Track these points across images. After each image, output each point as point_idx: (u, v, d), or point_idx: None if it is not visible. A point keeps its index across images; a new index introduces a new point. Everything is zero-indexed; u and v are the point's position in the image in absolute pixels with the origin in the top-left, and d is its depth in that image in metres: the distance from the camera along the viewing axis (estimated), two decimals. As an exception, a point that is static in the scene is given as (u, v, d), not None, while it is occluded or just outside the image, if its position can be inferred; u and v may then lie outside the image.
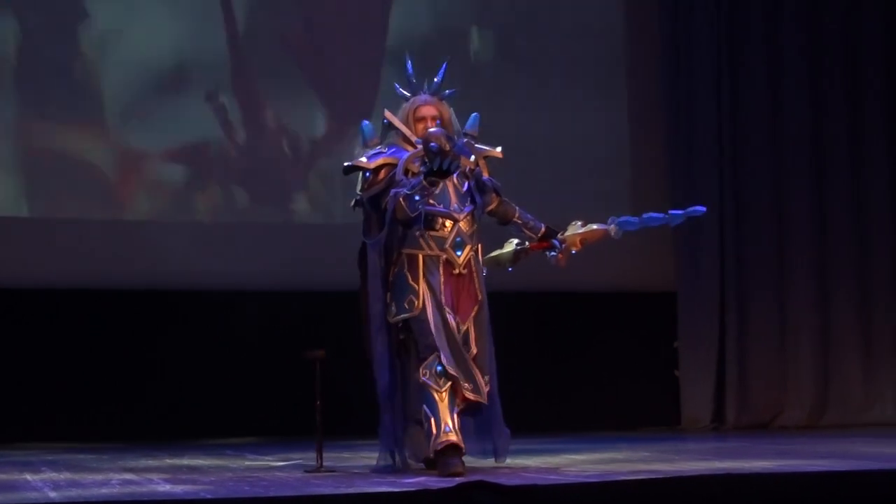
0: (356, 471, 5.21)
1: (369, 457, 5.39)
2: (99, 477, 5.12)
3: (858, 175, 8.76)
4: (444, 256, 5.02)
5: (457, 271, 5.03)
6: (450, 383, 4.91)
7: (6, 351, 7.49)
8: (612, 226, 5.34)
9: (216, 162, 8.19)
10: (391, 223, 5.01)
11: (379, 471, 5.05)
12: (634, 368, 8.36)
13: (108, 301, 7.74)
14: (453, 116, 5.19)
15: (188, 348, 7.71)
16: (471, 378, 4.95)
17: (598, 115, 8.59)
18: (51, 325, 7.62)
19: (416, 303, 4.98)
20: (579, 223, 5.33)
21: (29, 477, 5.13)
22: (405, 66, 5.29)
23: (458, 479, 4.28)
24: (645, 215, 5.42)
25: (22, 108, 7.88)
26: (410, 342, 5.05)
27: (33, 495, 4.44)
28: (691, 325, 8.57)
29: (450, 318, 4.97)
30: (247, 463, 5.83)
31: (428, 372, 4.91)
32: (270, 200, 8.27)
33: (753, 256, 8.60)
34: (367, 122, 5.35)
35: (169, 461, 5.90)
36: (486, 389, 4.99)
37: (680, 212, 5.47)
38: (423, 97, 5.19)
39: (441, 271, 5.01)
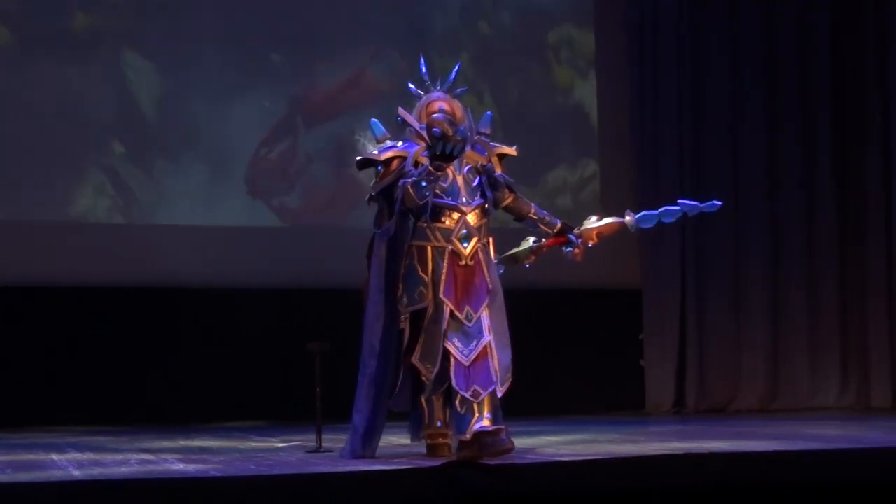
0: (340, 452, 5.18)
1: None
2: (118, 457, 5.10)
3: (809, 186, 8.73)
4: (451, 248, 4.77)
5: (463, 262, 4.77)
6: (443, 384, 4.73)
7: (35, 344, 7.44)
8: (628, 218, 5.11)
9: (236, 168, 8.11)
10: (401, 212, 4.79)
11: (344, 457, 4.81)
12: (603, 358, 8.35)
13: (130, 298, 7.69)
14: (468, 113, 4.93)
15: (201, 341, 7.68)
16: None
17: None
18: (76, 319, 7.57)
19: (426, 294, 4.75)
20: (594, 217, 5.12)
21: (55, 457, 5.11)
22: (419, 66, 5.06)
23: (444, 459, 4.23)
24: (661, 209, 5.17)
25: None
26: (411, 331, 4.80)
27: (59, 474, 4.42)
28: (655, 319, 8.56)
29: (447, 310, 4.70)
30: (253, 444, 5.82)
31: (427, 373, 4.72)
32: (274, 204, 8.16)
33: (711, 258, 8.59)
34: (375, 119, 5.08)
35: (182, 442, 5.89)
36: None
37: (695, 204, 5.19)
38: (436, 94, 4.96)
39: (447, 262, 4.76)
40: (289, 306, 7.76)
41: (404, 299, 4.79)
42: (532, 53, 8.67)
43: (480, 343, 4.69)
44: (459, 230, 4.80)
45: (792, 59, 8.78)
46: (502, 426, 4.64)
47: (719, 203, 5.22)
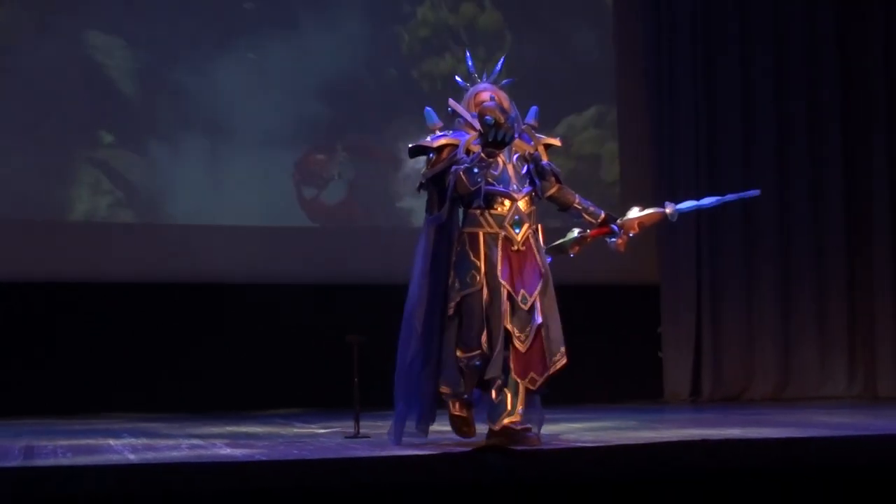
0: (387, 437, 5.21)
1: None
2: (170, 442, 5.14)
3: (817, 185, 8.70)
4: (503, 233, 4.64)
5: (515, 248, 4.63)
6: (477, 376, 4.61)
7: (95, 338, 7.51)
8: (669, 209, 4.98)
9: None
10: (452, 198, 4.65)
11: (393, 444, 4.69)
12: (624, 350, 8.34)
13: (180, 294, 7.76)
14: (513, 105, 4.79)
15: (248, 333, 7.73)
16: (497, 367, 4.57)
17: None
18: (133, 315, 7.63)
19: (478, 277, 4.59)
20: (636, 208, 4.99)
21: (112, 442, 5.16)
22: (466, 60, 4.99)
23: (474, 444, 4.24)
24: (702, 199, 5.08)
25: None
26: (457, 317, 4.65)
27: (115, 457, 4.47)
28: (672, 313, 8.54)
29: (505, 292, 4.56)
30: (295, 430, 5.84)
31: (465, 360, 4.60)
32: (327, 206, 8.12)
33: (725, 255, 8.56)
34: (429, 108, 4.94)
35: (229, 429, 5.92)
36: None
37: (735, 195, 5.13)
38: (483, 84, 4.83)
39: (500, 247, 4.63)
40: (328, 302, 7.79)
41: (457, 284, 4.63)
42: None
43: (533, 328, 4.59)
44: (512, 216, 4.68)
45: (802, 72, 8.73)
46: (529, 426, 4.57)
47: (757, 192, 5.17)
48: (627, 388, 8.33)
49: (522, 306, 4.60)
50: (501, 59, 4.93)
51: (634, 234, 4.95)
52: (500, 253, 4.63)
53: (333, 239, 8.11)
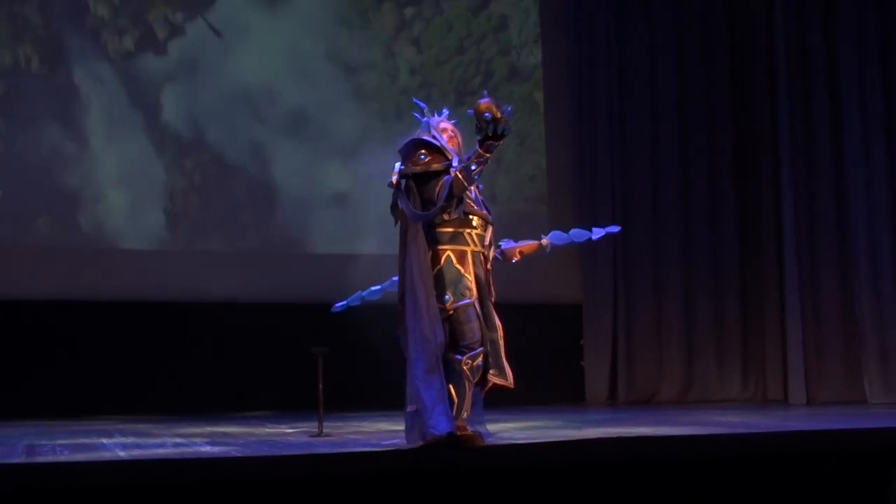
0: (348, 436, 5.18)
1: (359, 427, 5.32)
2: (157, 440, 5.07)
3: (713, 219, 8.80)
4: (482, 252, 4.36)
5: (488, 266, 4.40)
6: (480, 374, 4.30)
7: (92, 349, 7.43)
8: (544, 241, 4.76)
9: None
10: (447, 200, 4.20)
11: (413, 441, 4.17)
12: (551, 359, 8.35)
13: (164, 313, 7.66)
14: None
15: (226, 346, 7.64)
16: (500, 366, 4.34)
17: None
18: (124, 331, 7.54)
19: (470, 291, 4.25)
20: (512, 241, 4.72)
21: (104, 441, 5.07)
22: (418, 104, 4.49)
23: (428, 440, 4.05)
24: (572, 231, 4.89)
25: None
26: (447, 326, 4.24)
27: (107, 454, 4.39)
28: (593, 327, 8.56)
29: (487, 304, 4.31)
30: (266, 430, 5.78)
31: (470, 363, 4.24)
32: (286, 232, 8.05)
33: (636, 277, 8.60)
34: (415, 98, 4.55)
35: (209, 429, 5.85)
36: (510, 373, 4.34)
37: (601, 230, 4.95)
38: (437, 119, 4.45)
39: (482, 265, 4.36)
40: (299, 317, 7.69)
41: (447, 296, 4.23)
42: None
43: (500, 334, 4.35)
44: (489, 236, 4.42)
45: (701, 105, 8.81)
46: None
47: (618, 228, 5.00)
48: (554, 393, 8.34)
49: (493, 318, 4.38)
50: (445, 111, 4.52)
51: (517, 262, 4.70)
52: (483, 271, 4.37)
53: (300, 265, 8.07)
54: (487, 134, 4.08)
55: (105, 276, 7.58)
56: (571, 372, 8.49)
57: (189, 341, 7.62)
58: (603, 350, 8.51)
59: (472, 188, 4.33)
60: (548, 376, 8.30)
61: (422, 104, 4.49)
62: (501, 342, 4.37)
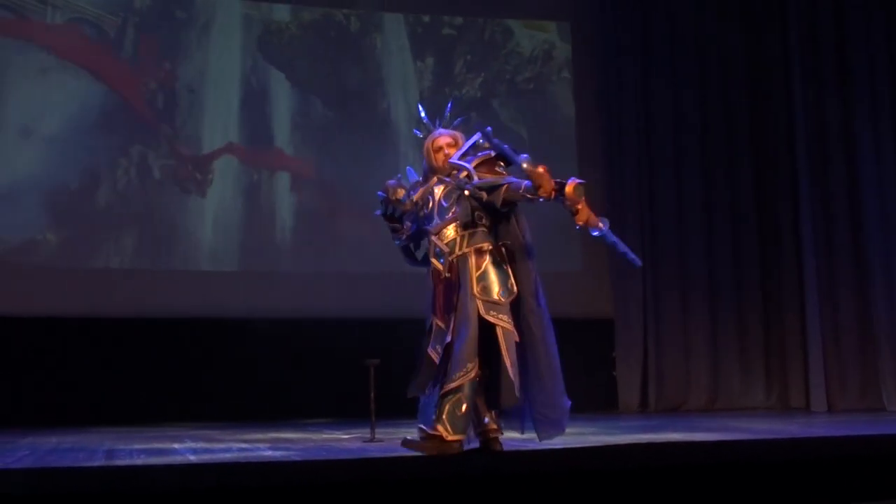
0: (397, 441, 5.17)
1: (408, 433, 5.26)
2: (223, 445, 5.10)
3: (736, 230, 8.71)
4: (433, 266, 4.07)
5: (442, 277, 4.01)
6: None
7: (166, 363, 7.53)
8: (604, 224, 3.99)
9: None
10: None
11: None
12: (585, 370, 8.27)
13: (231, 329, 7.74)
14: (466, 140, 4.12)
15: (288, 359, 7.67)
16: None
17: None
18: (199, 346, 7.65)
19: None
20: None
21: (176, 446, 5.11)
22: (419, 113, 4.30)
23: (466, 447, 4.04)
24: (614, 239, 4.13)
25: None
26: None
27: (179, 458, 4.42)
28: (624, 340, 8.50)
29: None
30: (323, 436, 5.79)
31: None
32: (340, 253, 8.07)
33: (665, 293, 8.54)
34: (409, 168, 4.37)
35: (271, 434, 5.88)
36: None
37: (625, 250, 4.13)
38: (438, 131, 4.18)
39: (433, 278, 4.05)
40: (352, 331, 7.72)
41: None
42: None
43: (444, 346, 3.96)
44: (433, 249, 4.07)
45: (721, 137, 8.76)
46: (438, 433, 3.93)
47: (640, 263, 4.24)
48: (588, 401, 8.28)
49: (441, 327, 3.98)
50: (449, 104, 4.25)
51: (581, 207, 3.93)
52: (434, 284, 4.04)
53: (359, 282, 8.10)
54: (384, 214, 4.15)
55: (184, 293, 7.67)
56: (604, 382, 8.43)
57: (256, 355, 7.67)
58: (634, 361, 8.44)
59: (432, 202, 4.09)
60: (583, 386, 8.22)
61: (424, 115, 4.24)
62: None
